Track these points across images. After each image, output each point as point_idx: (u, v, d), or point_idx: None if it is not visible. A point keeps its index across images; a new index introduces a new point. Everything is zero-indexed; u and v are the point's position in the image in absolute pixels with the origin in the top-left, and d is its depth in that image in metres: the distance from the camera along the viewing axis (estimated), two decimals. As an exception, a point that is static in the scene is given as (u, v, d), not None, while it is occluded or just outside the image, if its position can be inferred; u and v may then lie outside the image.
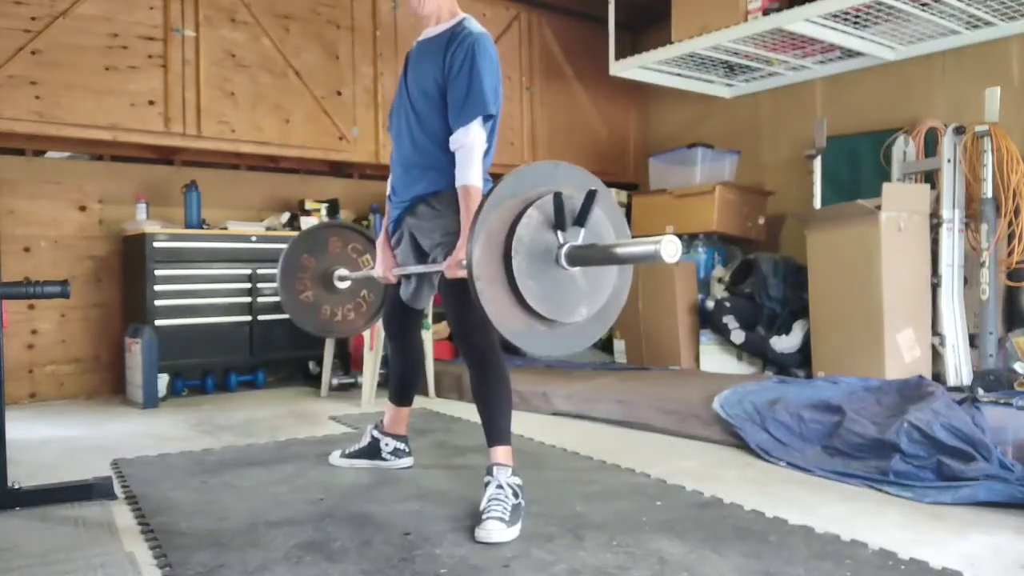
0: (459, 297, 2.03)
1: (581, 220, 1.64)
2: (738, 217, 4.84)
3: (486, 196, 1.62)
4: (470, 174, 2.07)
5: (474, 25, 2.21)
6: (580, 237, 1.65)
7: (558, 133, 5.66)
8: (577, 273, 1.67)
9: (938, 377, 3.55)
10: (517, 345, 1.65)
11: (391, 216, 2.36)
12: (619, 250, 1.56)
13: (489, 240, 1.59)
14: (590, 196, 1.64)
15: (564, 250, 1.63)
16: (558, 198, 1.61)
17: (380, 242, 2.43)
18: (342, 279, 2.73)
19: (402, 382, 2.56)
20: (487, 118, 2.11)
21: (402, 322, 2.49)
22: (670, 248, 1.40)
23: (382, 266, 2.41)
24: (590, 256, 1.62)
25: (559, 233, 1.63)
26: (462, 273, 2.01)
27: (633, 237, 5.37)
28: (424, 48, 2.25)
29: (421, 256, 2.28)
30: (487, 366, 2.12)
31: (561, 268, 1.64)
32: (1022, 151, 3.61)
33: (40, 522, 2.02)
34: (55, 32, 3.78)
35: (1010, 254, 3.58)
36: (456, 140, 2.10)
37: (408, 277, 2.39)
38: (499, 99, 2.14)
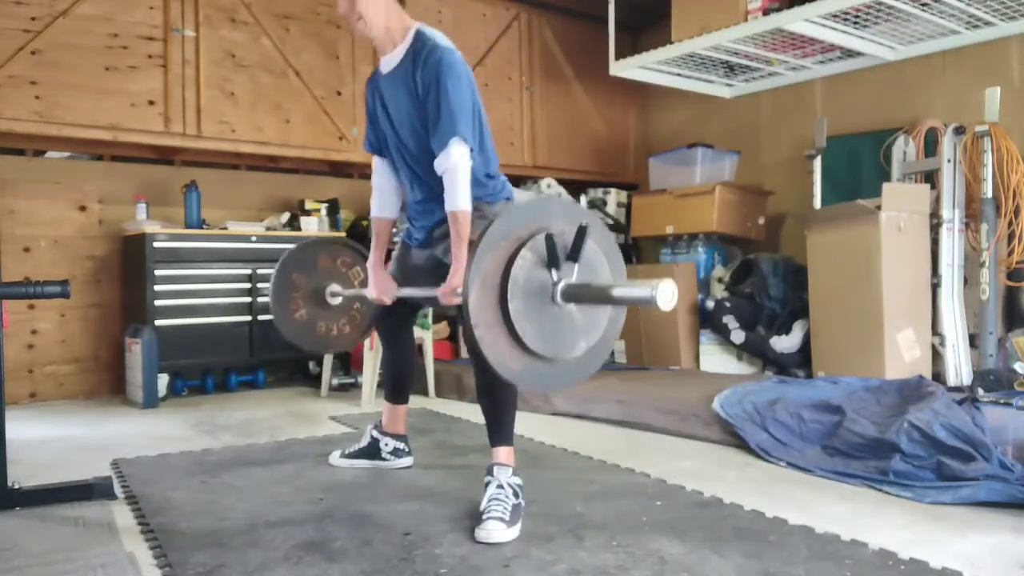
0: None
1: (574, 256, 1.65)
2: (738, 217, 4.84)
3: (480, 236, 1.62)
4: (457, 199, 2.05)
5: (431, 37, 2.17)
6: (574, 272, 1.66)
7: (558, 133, 5.66)
8: (573, 309, 1.69)
9: (938, 377, 3.55)
10: (517, 384, 1.66)
11: (414, 236, 2.36)
12: (614, 292, 1.58)
13: (484, 284, 1.60)
14: (581, 232, 1.65)
15: (559, 288, 1.64)
16: (550, 239, 1.62)
17: (372, 264, 2.41)
18: (334, 295, 2.72)
19: (396, 380, 2.56)
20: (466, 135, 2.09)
21: (393, 321, 2.50)
22: (666, 295, 1.42)
23: (375, 288, 2.40)
24: (585, 295, 1.64)
25: (553, 271, 1.64)
26: (456, 300, 2.04)
27: (633, 238, 5.32)
28: (394, 80, 2.21)
29: (439, 270, 2.26)
30: None
31: (557, 305, 1.65)
32: (1022, 151, 3.60)
33: (40, 522, 2.02)
34: (55, 32, 3.78)
35: (1010, 254, 3.58)
36: (439, 165, 2.09)
37: (411, 279, 2.39)
38: (475, 113, 2.11)
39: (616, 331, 1.84)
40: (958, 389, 3.30)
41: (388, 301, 2.40)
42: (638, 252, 5.70)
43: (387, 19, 2.18)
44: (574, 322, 1.68)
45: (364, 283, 2.55)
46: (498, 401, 2.10)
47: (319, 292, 2.71)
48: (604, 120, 5.93)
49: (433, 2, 5.06)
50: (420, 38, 2.18)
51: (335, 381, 4.25)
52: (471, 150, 2.10)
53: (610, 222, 5.51)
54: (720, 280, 4.68)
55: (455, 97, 2.06)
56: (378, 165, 2.42)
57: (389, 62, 2.23)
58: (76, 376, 4.11)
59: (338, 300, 2.72)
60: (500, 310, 1.61)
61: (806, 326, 3.94)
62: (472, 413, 3.33)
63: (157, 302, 3.96)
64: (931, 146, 4.12)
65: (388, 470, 2.53)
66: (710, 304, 4.36)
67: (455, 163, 2.05)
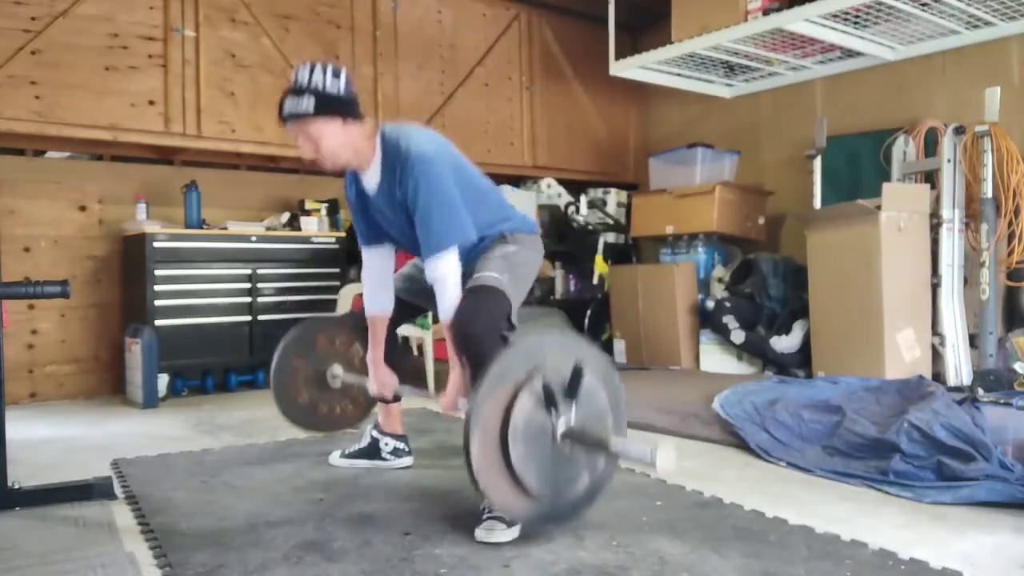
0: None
1: (572, 394, 1.67)
2: (738, 217, 4.84)
3: (478, 389, 1.64)
4: (449, 309, 2.06)
5: (398, 141, 2.15)
6: (572, 410, 1.68)
7: (558, 133, 5.66)
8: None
9: (938, 377, 3.55)
10: (524, 523, 1.69)
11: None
12: (613, 447, 1.61)
13: (485, 432, 1.64)
14: (577, 372, 1.68)
15: (560, 431, 1.67)
16: (547, 388, 1.64)
17: (371, 360, 2.42)
18: (335, 377, 2.71)
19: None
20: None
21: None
22: (665, 460, 1.45)
23: (376, 384, 2.42)
24: (584, 440, 1.67)
25: (552, 412, 1.66)
26: (456, 411, 2.08)
27: (633, 238, 5.31)
28: (381, 195, 2.22)
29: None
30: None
31: (558, 444, 1.68)
32: (1022, 151, 3.61)
33: (40, 522, 2.02)
34: (55, 32, 3.78)
35: (1010, 254, 3.58)
36: (428, 275, 2.11)
37: (413, 291, 2.42)
38: (463, 189, 2.14)
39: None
40: (958, 389, 3.30)
41: (389, 397, 2.46)
42: (638, 252, 5.70)
43: (353, 143, 2.16)
44: (576, 458, 1.71)
45: (364, 361, 2.54)
46: None
47: (320, 375, 2.70)
48: (604, 120, 5.93)
49: (433, 2, 5.07)
50: (389, 148, 2.17)
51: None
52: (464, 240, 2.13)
53: (610, 222, 5.51)
54: (720, 280, 4.69)
55: (438, 203, 2.08)
56: (370, 259, 2.40)
57: (371, 179, 2.23)
58: (76, 376, 4.11)
59: (339, 383, 2.72)
60: (501, 455, 1.65)
61: (806, 326, 3.94)
62: (472, 413, 3.32)
63: (157, 302, 3.96)
64: (931, 146, 4.12)
65: (388, 470, 2.53)
66: (710, 304, 4.36)
67: (444, 272, 2.07)
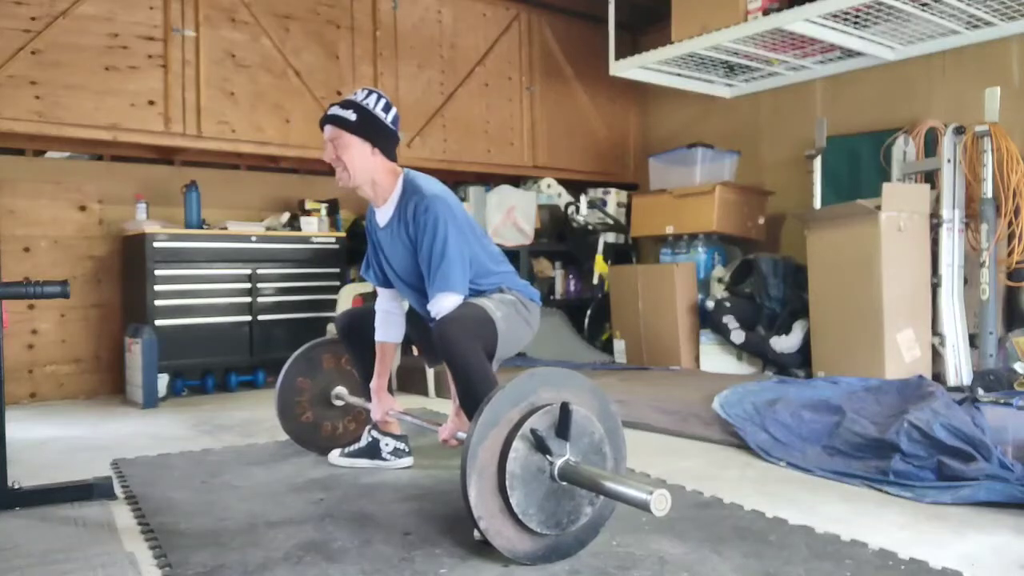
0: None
1: (563, 434, 1.68)
2: (738, 217, 4.84)
3: (470, 436, 1.65)
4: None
5: (419, 188, 2.21)
6: (567, 448, 1.69)
7: (558, 133, 5.66)
8: None
9: (938, 377, 3.55)
10: (534, 564, 1.70)
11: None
12: (609, 486, 1.60)
13: (481, 475, 1.64)
14: (565, 411, 1.68)
15: (557, 470, 1.68)
16: (536, 433, 1.65)
17: (375, 388, 2.50)
18: (339, 398, 2.78)
19: (370, 376, 2.58)
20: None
21: (356, 328, 2.55)
22: (660, 503, 1.46)
23: (379, 411, 2.50)
24: (581, 481, 1.67)
25: (547, 455, 1.67)
26: (454, 444, 2.15)
27: (633, 238, 5.30)
28: (391, 234, 2.29)
29: None
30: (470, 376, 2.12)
31: (556, 482, 1.68)
32: (1022, 151, 3.60)
33: (40, 522, 2.02)
34: (55, 32, 3.79)
35: (1010, 254, 3.58)
36: (433, 309, 2.16)
37: (416, 330, 2.47)
38: (467, 254, 2.19)
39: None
40: (958, 389, 3.30)
41: (391, 422, 2.54)
42: (638, 252, 5.70)
43: (374, 173, 2.24)
44: (576, 492, 1.71)
45: (366, 384, 2.60)
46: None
47: (325, 394, 2.78)
48: (604, 120, 5.94)
49: (433, 2, 5.07)
50: (409, 189, 2.24)
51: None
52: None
53: (610, 222, 5.51)
54: (720, 280, 4.68)
55: (448, 251, 2.14)
56: (383, 295, 2.49)
57: (383, 215, 2.30)
58: (76, 376, 4.12)
59: (342, 403, 2.78)
60: (501, 498, 1.65)
61: (806, 326, 3.94)
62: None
63: (157, 302, 3.96)
64: (931, 146, 4.12)
65: (388, 470, 2.53)
66: (710, 304, 4.36)
67: (446, 307, 2.14)
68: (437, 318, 2.14)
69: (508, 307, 2.26)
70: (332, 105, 2.26)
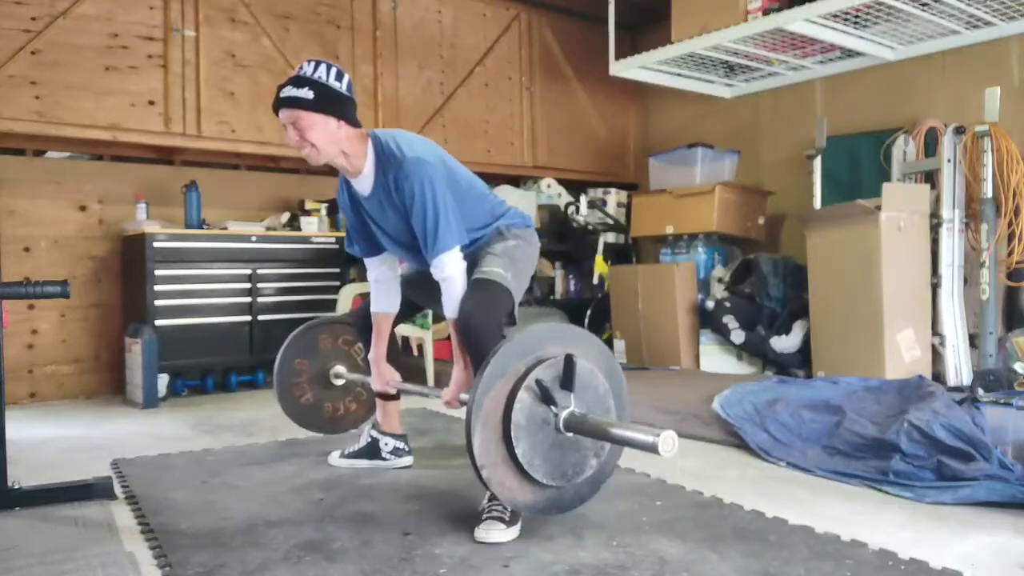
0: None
1: (567, 385, 1.68)
2: (738, 217, 4.84)
3: (476, 386, 1.64)
4: (455, 308, 2.10)
5: (391, 148, 2.15)
6: (572, 399, 1.69)
7: (558, 133, 5.66)
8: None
9: (938, 377, 3.55)
10: (533, 514, 1.69)
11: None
12: (615, 432, 1.60)
13: (486, 424, 1.64)
14: (569, 364, 1.68)
15: (562, 421, 1.68)
16: (541, 384, 1.65)
17: (373, 359, 2.47)
18: (338, 376, 2.76)
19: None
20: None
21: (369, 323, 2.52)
22: (667, 444, 1.46)
23: (378, 381, 2.47)
24: (586, 429, 1.67)
25: (552, 405, 1.67)
26: (458, 406, 2.11)
27: (633, 238, 5.29)
28: (377, 201, 2.23)
29: None
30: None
31: (562, 433, 1.68)
32: (1022, 151, 3.60)
33: (40, 522, 2.02)
34: (55, 32, 3.78)
35: (1010, 254, 3.58)
36: (436, 273, 2.14)
37: (416, 290, 2.43)
38: (454, 212, 2.13)
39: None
40: (958, 389, 3.30)
41: (392, 392, 2.52)
42: (638, 252, 5.70)
43: (340, 144, 2.15)
44: (582, 444, 1.71)
45: (365, 360, 2.58)
46: None
47: (323, 374, 2.76)
48: (604, 120, 5.94)
49: (433, 2, 5.07)
50: (382, 154, 2.17)
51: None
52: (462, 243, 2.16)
53: (610, 222, 5.51)
54: (720, 280, 4.68)
55: (439, 212, 2.09)
56: (373, 268, 2.43)
57: (364, 184, 2.24)
58: (76, 376, 4.11)
59: (342, 381, 2.76)
60: (505, 448, 1.65)
61: (806, 326, 3.94)
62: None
63: (157, 302, 3.95)
64: (931, 146, 4.12)
65: (388, 470, 2.53)
66: (710, 304, 4.36)
67: (450, 272, 2.11)
68: (443, 283, 2.11)
69: (513, 254, 2.26)
70: (282, 86, 2.10)
